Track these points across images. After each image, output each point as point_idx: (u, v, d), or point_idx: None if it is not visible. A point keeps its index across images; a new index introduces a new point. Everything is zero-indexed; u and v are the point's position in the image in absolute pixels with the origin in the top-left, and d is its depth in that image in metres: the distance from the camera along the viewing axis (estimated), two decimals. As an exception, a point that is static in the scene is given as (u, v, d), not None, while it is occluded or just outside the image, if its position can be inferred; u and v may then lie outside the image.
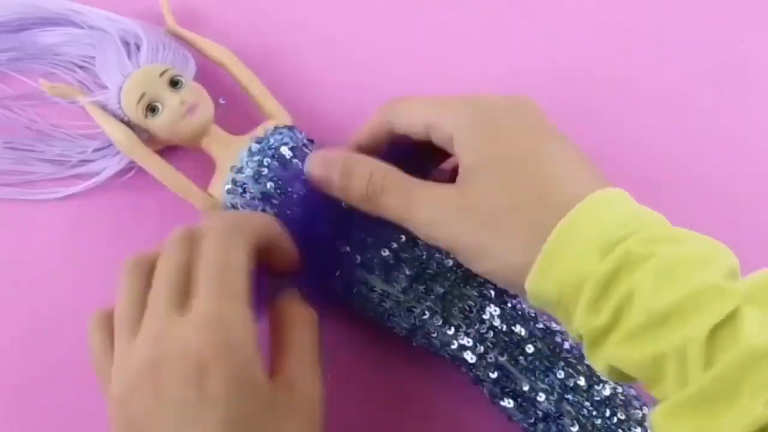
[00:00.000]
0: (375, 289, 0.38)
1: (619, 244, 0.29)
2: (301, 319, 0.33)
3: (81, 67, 0.44)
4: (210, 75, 0.45)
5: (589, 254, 0.29)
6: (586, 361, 0.38)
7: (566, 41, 0.50)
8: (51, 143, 0.44)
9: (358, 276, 0.38)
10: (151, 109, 0.41)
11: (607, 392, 0.37)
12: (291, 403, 0.30)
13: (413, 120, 0.36)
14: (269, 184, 0.39)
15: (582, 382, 0.37)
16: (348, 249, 0.38)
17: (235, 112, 0.44)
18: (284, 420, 0.30)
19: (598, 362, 0.31)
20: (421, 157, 0.38)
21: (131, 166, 0.43)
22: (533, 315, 0.39)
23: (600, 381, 0.37)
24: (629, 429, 0.37)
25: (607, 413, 0.37)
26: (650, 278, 0.28)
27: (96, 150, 0.43)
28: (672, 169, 0.46)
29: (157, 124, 0.41)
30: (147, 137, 0.42)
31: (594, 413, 0.37)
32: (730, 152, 0.47)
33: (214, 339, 0.29)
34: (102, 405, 0.39)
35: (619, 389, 0.38)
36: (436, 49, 0.49)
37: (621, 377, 0.30)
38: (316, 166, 0.36)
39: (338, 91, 0.47)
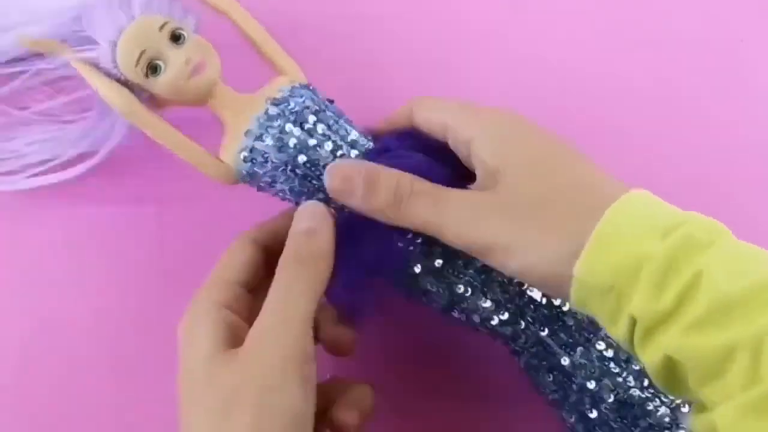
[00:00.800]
0: (411, 268, 0.36)
1: (679, 227, 0.28)
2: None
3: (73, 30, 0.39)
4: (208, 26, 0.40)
5: (647, 235, 0.28)
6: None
7: (566, 41, 0.50)
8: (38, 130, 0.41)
9: (396, 249, 0.35)
10: (152, 68, 0.36)
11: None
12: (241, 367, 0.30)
13: (433, 117, 0.36)
14: (293, 152, 0.35)
15: (621, 353, 0.37)
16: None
17: (238, 66, 0.40)
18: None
19: (650, 352, 0.29)
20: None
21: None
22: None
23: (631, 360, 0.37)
24: (665, 397, 0.37)
25: (645, 383, 0.37)
26: (720, 262, 0.27)
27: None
28: (672, 169, 0.46)
29: (160, 84, 0.36)
30: (147, 97, 0.38)
31: (631, 384, 0.36)
32: (730, 152, 0.48)
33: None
34: (102, 406, 0.40)
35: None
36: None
37: (667, 376, 0.29)
38: (336, 177, 0.34)
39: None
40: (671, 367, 0.28)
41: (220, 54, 0.38)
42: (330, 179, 0.34)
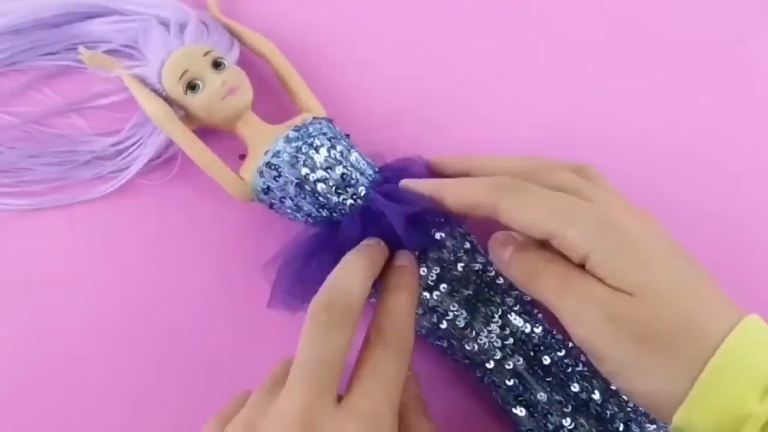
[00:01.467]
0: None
1: None
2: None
3: (127, 56, 0.44)
4: (247, 66, 0.45)
5: (748, 393, 0.29)
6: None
7: (566, 40, 0.51)
8: (81, 146, 0.44)
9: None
10: (192, 86, 0.41)
11: (620, 405, 0.38)
12: None
13: (533, 222, 0.33)
14: (304, 170, 0.39)
15: (597, 395, 0.38)
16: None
17: (270, 104, 0.44)
18: None
19: None
20: None
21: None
22: (552, 329, 0.39)
23: (614, 394, 0.38)
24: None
25: (621, 428, 0.38)
26: None
27: (115, 144, 0.44)
28: (672, 169, 0.46)
29: (196, 102, 0.41)
30: (182, 115, 0.42)
31: (609, 427, 0.37)
32: (730, 152, 0.48)
33: None
34: (101, 407, 0.40)
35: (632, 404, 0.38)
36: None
37: None
38: (497, 242, 0.36)
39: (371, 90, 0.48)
40: None
41: (255, 91, 0.42)
42: (491, 244, 0.37)
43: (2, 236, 0.43)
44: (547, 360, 0.38)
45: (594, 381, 0.38)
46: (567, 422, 0.37)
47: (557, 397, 0.38)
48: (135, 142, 0.43)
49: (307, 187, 0.39)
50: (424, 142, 0.45)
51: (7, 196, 0.42)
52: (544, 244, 0.34)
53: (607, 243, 0.32)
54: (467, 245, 0.39)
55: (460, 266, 0.39)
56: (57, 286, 0.42)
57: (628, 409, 0.38)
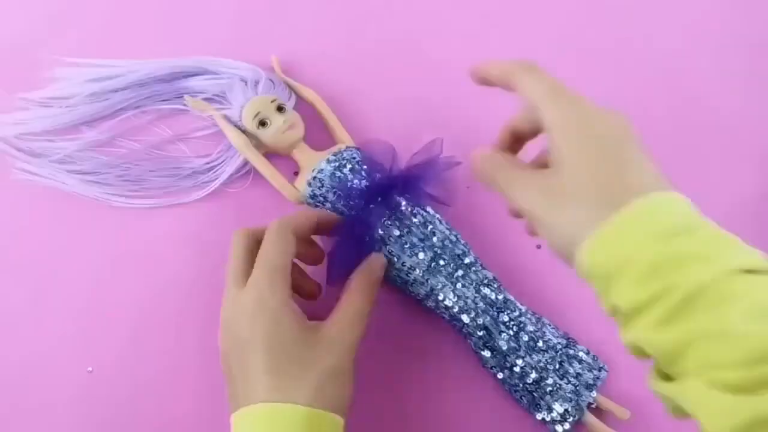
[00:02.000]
0: (404, 265, 0.54)
1: (677, 236, 0.33)
2: (355, 287, 0.51)
3: (217, 102, 0.61)
4: (301, 110, 0.61)
5: (646, 239, 0.33)
6: (542, 338, 0.55)
7: (566, 43, 0.59)
8: (184, 164, 0.61)
9: (394, 253, 0.54)
10: (262, 123, 0.58)
11: (558, 348, 0.54)
12: (321, 342, 0.46)
13: (527, 89, 0.40)
14: (345, 184, 0.56)
15: (540, 344, 0.54)
16: (390, 235, 0.55)
17: (316, 136, 0.61)
18: (313, 351, 0.46)
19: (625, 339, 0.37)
20: None
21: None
22: (512, 299, 0.56)
23: (551, 342, 0.54)
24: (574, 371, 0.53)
25: (556, 366, 0.54)
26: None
27: (207, 163, 0.61)
28: (673, 167, 0.44)
29: (265, 134, 0.58)
30: (255, 143, 0.59)
31: (548, 365, 0.53)
32: (731, 153, 0.55)
33: (256, 300, 0.46)
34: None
35: (574, 351, 0.54)
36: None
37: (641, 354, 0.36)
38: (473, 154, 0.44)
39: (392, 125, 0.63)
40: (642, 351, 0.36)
41: (306, 127, 0.59)
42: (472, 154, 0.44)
43: (130, 227, 0.59)
44: (505, 317, 0.54)
45: (537, 333, 0.54)
46: (520, 362, 0.53)
47: (513, 344, 0.54)
48: (221, 162, 0.60)
49: (341, 193, 0.56)
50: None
51: (134, 197, 0.59)
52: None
53: (566, 121, 0.38)
54: (453, 237, 0.56)
55: (448, 249, 0.55)
56: (166, 273, 0.58)
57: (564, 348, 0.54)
